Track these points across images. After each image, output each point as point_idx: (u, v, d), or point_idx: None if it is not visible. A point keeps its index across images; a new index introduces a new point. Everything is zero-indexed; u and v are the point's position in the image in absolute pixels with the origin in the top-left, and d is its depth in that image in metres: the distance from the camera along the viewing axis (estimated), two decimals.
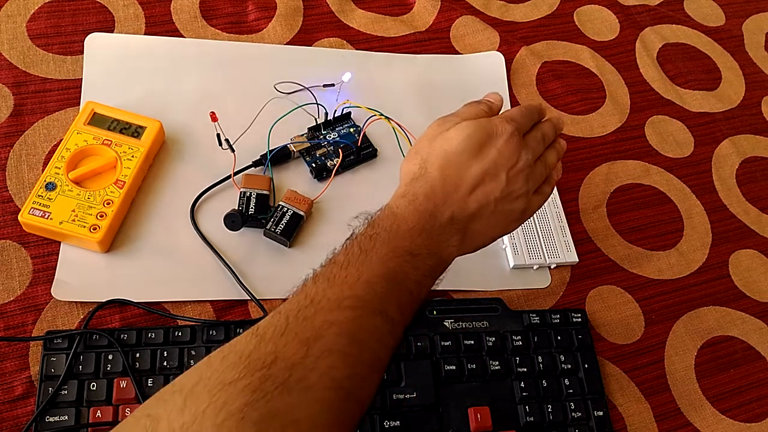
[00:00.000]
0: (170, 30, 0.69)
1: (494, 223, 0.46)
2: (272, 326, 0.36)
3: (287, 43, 0.71)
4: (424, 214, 0.43)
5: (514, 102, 0.72)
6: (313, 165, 0.62)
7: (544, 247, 0.62)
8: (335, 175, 0.62)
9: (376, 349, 0.38)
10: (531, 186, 0.47)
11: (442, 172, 0.44)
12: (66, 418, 0.48)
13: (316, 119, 0.64)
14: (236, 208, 0.58)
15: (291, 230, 0.58)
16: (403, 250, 0.41)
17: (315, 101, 0.64)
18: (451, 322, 0.56)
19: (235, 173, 0.60)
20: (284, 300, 0.39)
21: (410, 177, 0.45)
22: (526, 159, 0.46)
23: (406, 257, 0.41)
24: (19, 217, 0.55)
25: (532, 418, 0.53)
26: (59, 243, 0.56)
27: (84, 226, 0.54)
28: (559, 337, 0.57)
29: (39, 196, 0.55)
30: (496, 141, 0.45)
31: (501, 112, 0.50)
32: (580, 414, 0.54)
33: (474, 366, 0.55)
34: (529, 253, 0.61)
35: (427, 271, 0.42)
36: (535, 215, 0.63)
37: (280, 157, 0.62)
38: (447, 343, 0.55)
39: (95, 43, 0.66)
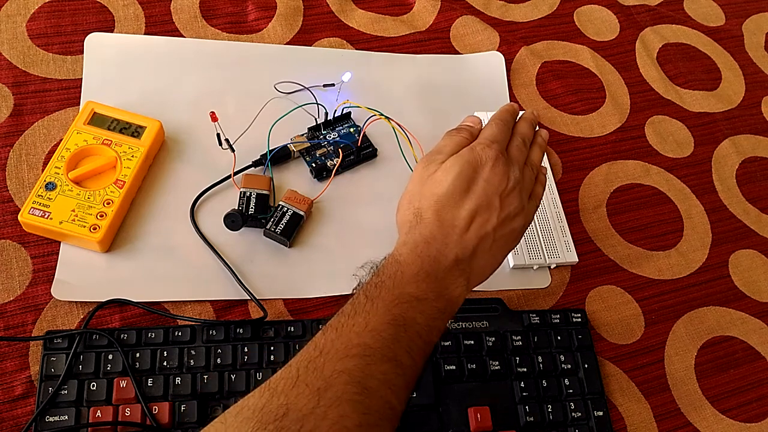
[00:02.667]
0: (170, 30, 0.69)
1: (497, 251, 0.46)
2: (283, 379, 0.37)
3: (287, 43, 0.71)
4: (427, 259, 0.43)
5: (513, 101, 0.72)
6: (313, 165, 0.62)
7: (544, 247, 0.62)
8: (335, 175, 0.62)
9: (387, 396, 0.38)
10: (524, 196, 0.47)
11: (438, 216, 0.44)
12: (66, 418, 0.48)
13: (316, 119, 0.64)
14: (236, 208, 0.58)
15: (291, 230, 0.58)
16: (408, 296, 0.41)
17: (315, 101, 0.64)
18: (451, 322, 0.56)
19: (235, 173, 0.60)
20: (297, 353, 0.40)
21: (407, 226, 0.45)
22: (515, 176, 0.46)
23: (412, 303, 0.41)
24: (19, 217, 0.55)
25: (532, 418, 0.53)
26: (59, 243, 0.56)
27: (84, 226, 0.54)
28: (559, 337, 0.57)
29: (39, 195, 0.55)
30: (483, 171, 0.46)
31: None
32: (580, 414, 0.54)
33: (474, 366, 0.54)
34: (529, 253, 0.61)
35: (435, 314, 0.42)
36: (535, 216, 0.63)
37: (280, 157, 0.62)
38: (447, 343, 0.55)
39: (95, 43, 0.66)
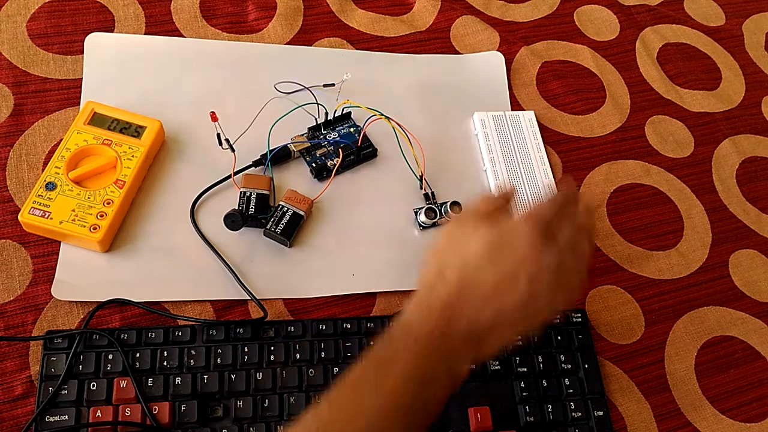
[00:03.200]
0: (170, 30, 0.69)
1: (511, 332, 0.43)
2: None
3: (287, 43, 0.71)
4: (439, 327, 0.41)
5: (514, 102, 0.72)
6: (313, 165, 0.62)
7: None
8: (335, 175, 0.62)
9: None
10: (556, 287, 0.43)
11: (460, 276, 0.42)
12: (66, 417, 0.48)
13: (316, 119, 0.64)
14: (236, 208, 0.58)
15: (291, 230, 0.58)
16: (418, 376, 0.39)
17: (315, 101, 0.64)
18: None
19: (235, 173, 0.60)
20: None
21: (428, 285, 0.43)
22: (550, 262, 0.42)
23: (421, 383, 0.39)
24: (19, 217, 0.55)
25: (532, 418, 0.53)
26: (59, 243, 0.56)
27: (84, 226, 0.54)
28: (559, 337, 0.57)
29: (39, 195, 0.55)
30: (516, 243, 0.42)
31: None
32: (580, 414, 0.54)
33: (474, 366, 0.54)
34: None
35: (442, 392, 0.40)
36: None
37: (280, 157, 0.62)
38: None
39: (95, 43, 0.66)
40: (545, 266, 0.42)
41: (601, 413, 0.55)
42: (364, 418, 0.37)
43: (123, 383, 0.50)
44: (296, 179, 0.62)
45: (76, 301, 0.54)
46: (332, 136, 0.64)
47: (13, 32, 0.66)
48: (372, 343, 0.41)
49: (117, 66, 0.66)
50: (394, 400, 0.38)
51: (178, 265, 0.57)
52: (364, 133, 0.64)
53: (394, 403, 0.38)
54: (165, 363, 0.51)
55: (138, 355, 0.51)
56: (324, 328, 0.54)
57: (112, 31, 0.68)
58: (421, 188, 0.63)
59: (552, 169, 0.67)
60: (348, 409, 0.38)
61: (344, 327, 0.54)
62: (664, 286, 0.64)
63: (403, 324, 0.42)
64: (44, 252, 0.56)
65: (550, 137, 0.70)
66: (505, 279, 0.41)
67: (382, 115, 0.61)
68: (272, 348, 0.53)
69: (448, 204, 0.62)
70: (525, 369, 0.55)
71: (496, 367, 0.55)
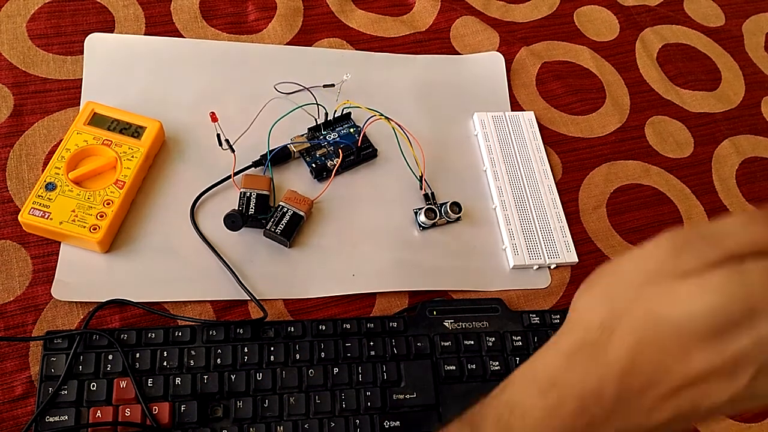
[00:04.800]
0: (170, 30, 0.69)
1: (681, 428, 0.29)
2: None
3: (287, 44, 0.71)
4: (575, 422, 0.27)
5: (513, 102, 0.72)
6: (313, 165, 0.62)
7: (544, 247, 0.62)
8: (335, 175, 0.62)
9: None
10: None
11: (636, 355, 0.26)
12: (66, 418, 0.48)
13: (316, 119, 0.64)
14: (236, 208, 0.58)
15: (291, 230, 0.58)
16: None
17: (315, 101, 0.64)
18: (451, 323, 0.56)
19: (235, 173, 0.60)
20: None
21: (576, 339, 0.28)
22: None
23: None
24: (19, 217, 0.55)
25: None
26: (59, 243, 0.56)
27: (84, 226, 0.54)
28: None
29: (39, 196, 0.55)
30: (763, 322, 0.25)
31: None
32: None
33: (474, 366, 0.54)
34: (529, 254, 0.61)
35: None
36: (535, 215, 0.64)
37: (280, 157, 0.62)
38: (447, 344, 0.55)
39: (95, 43, 0.66)
40: None
41: None
42: None
43: (123, 383, 0.50)
44: (296, 179, 0.62)
45: (76, 302, 0.54)
46: (332, 137, 0.64)
47: (13, 32, 0.66)
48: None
49: (117, 66, 0.66)
50: None
51: (178, 266, 0.57)
52: (364, 133, 0.64)
53: None
54: (165, 363, 0.51)
55: (138, 355, 0.51)
56: (324, 328, 0.54)
57: (112, 31, 0.68)
58: (421, 188, 0.63)
59: (552, 170, 0.67)
60: None
61: (344, 327, 0.54)
62: None
63: (498, 421, 0.28)
64: (44, 252, 0.56)
65: (550, 137, 0.70)
66: (715, 372, 0.26)
67: (382, 115, 0.61)
68: (272, 348, 0.53)
69: (448, 204, 0.62)
70: None
71: (496, 368, 0.55)
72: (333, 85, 0.67)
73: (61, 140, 0.59)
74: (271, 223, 0.58)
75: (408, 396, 0.52)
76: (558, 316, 0.58)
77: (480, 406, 0.30)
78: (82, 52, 0.66)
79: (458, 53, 0.75)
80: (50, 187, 0.56)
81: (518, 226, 0.63)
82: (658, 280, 0.26)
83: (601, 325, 0.27)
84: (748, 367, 0.26)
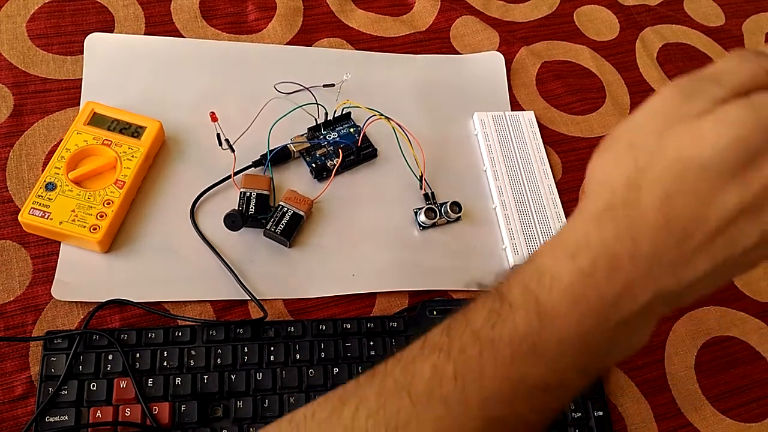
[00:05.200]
0: (170, 30, 0.69)
1: (720, 280, 0.29)
2: None
3: (287, 43, 0.71)
4: (599, 306, 0.26)
5: (513, 102, 0.72)
6: (313, 165, 0.62)
7: None
8: (335, 175, 0.62)
9: None
10: None
11: (667, 207, 0.25)
12: (66, 418, 0.48)
13: (316, 119, 0.64)
14: (236, 208, 0.58)
15: (291, 230, 0.58)
16: (532, 384, 0.26)
17: (315, 101, 0.64)
18: None
19: (235, 173, 0.60)
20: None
21: (603, 202, 0.27)
22: None
23: (535, 394, 0.26)
24: (19, 217, 0.55)
25: None
26: (59, 243, 0.56)
27: (84, 226, 0.54)
28: None
29: (39, 196, 0.55)
30: None
31: None
32: (580, 414, 0.54)
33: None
34: (529, 253, 0.61)
35: (564, 404, 0.28)
36: (535, 215, 0.64)
37: (280, 157, 0.62)
38: None
39: (95, 43, 0.66)
40: None
41: (600, 413, 0.55)
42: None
43: (123, 383, 0.50)
44: (296, 179, 0.62)
45: (76, 302, 0.54)
46: (332, 137, 0.64)
47: (13, 32, 0.66)
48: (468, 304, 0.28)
49: (117, 66, 0.66)
50: (474, 425, 0.26)
51: (178, 265, 0.57)
52: (364, 133, 0.64)
53: (470, 428, 0.26)
54: (165, 363, 0.51)
55: (138, 355, 0.51)
56: (324, 328, 0.54)
57: (112, 31, 0.68)
58: (421, 188, 0.63)
59: (552, 169, 0.67)
60: (400, 423, 0.26)
61: (344, 327, 0.54)
62: None
63: (526, 294, 0.27)
64: (44, 252, 0.56)
65: (550, 137, 0.70)
66: (745, 209, 0.25)
67: (382, 115, 0.61)
68: (272, 348, 0.53)
69: (448, 204, 0.62)
70: None
71: None
72: (333, 85, 0.67)
73: (61, 140, 0.59)
74: (271, 223, 0.58)
75: None
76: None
77: (506, 279, 0.28)
78: (82, 52, 0.66)
79: (458, 53, 0.75)
80: (50, 187, 0.56)
81: (518, 226, 0.63)
82: (676, 125, 0.26)
83: (627, 182, 0.26)
84: None
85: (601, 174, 0.27)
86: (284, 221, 0.58)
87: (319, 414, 0.27)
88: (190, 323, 0.53)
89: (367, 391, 0.27)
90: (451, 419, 0.25)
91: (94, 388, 0.49)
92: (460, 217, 0.62)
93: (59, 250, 0.56)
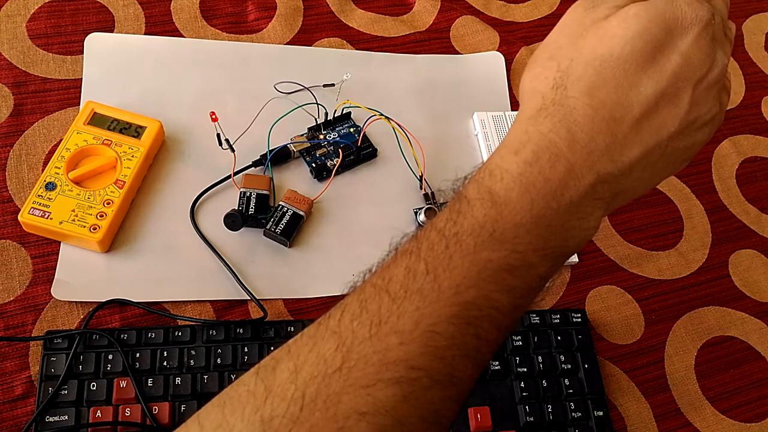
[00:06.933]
0: (170, 30, 0.69)
1: (657, 172, 0.32)
2: (284, 402, 0.26)
3: (287, 43, 0.71)
4: (546, 190, 0.28)
5: (513, 102, 0.72)
6: (313, 165, 0.62)
7: None
8: (335, 175, 0.62)
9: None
10: (720, 98, 0.32)
11: (593, 98, 0.29)
12: (66, 418, 0.48)
13: (316, 119, 0.64)
14: (236, 208, 0.58)
15: (291, 230, 0.58)
16: (497, 266, 0.28)
17: (315, 101, 0.64)
18: None
19: (235, 173, 0.60)
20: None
21: (535, 105, 0.30)
22: (723, 64, 0.30)
23: (500, 275, 0.28)
24: (19, 217, 0.55)
25: (532, 418, 0.53)
26: (59, 243, 0.56)
27: (84, 226, 0.54)
28: (559, 337, 0.57)
29: (39, 196, 0.55)
30: (682, 38, 0.29)
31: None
32: (580, 414, 0.54)
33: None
34: None
35: (530, 287, 0.29)
36: None
37: (280, 157, 0.62)
38: None
39: (95, 43, 0.66)
40: (716, 73, 0.30)
41: (600, 413, 0.55)
42: (400, 347, 0.28)
43: (123, 383, 0.50)
44: (296, 179, 0.62)
45: (76, 301, 0.54)
46: (332, 136, 0.64)
47: (13, 32, 0.66)
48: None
49: (117, 66, 0.66)
50: (452, 311, 0.28)
51: (178, 265, 0.57)
52: (364, 133, 0.64)
53: (449, 317, 0.28)
54: (165, 363, 0.51)
55: (138, 355, 0.51)
56: None
57: (112, 31, 0.68)
58: (421, 188, 0.63)
59: None
60: (381, 330, 0.28)
61: None
62: (664, 286, 0.64)
63: (482, 190, 0.29)
64: (44, 252, 0.56)
65: None
66: (664, 95, 0.29)
67: (382, 115, 0.61)
68: (272, 348, 0.52)
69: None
70: (525, 369, 0.55)
71: (496, 367, 0.55)
72: (333, 85, 0.67)
73: (61, 140, 0.59)
74: (271, 222, 0.58)
75: None
76: (558, 316, 0.58)
77: (462, 183, 0.31)
78: (81, 52, 0.66)
79: (458, 53, 0.75)
80: (50, 186, 0.56)
81: None
82: (588, 30, 0.30)
83: (554, 85, 0.30)
84: (686, 86, 0.29)
85: (529, 84, 0.31)
86: (284, 221, 0.58)
87: (308, 330, 0.30)
88: (190, 323, 0.53)
89: (349, 300, 0.30)
90: (428, 307, 0.27)
91: (94, 388, 0.49)
92: None
93: (59, 249, 0.56)
